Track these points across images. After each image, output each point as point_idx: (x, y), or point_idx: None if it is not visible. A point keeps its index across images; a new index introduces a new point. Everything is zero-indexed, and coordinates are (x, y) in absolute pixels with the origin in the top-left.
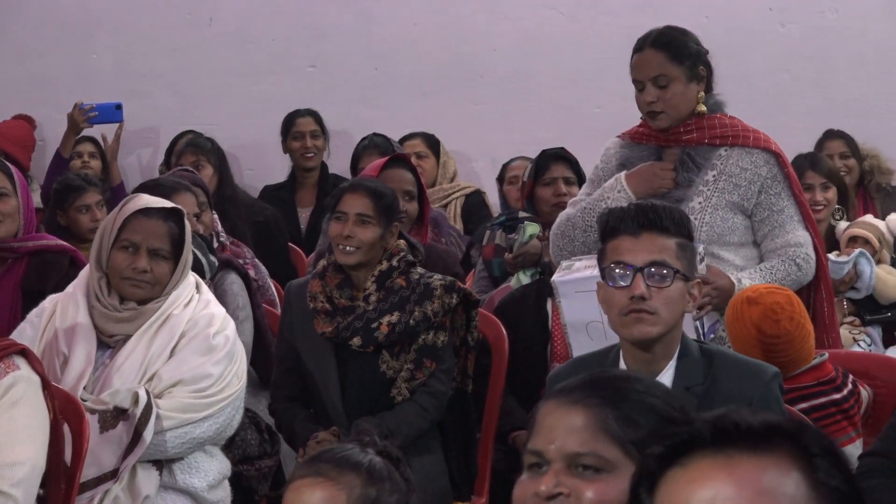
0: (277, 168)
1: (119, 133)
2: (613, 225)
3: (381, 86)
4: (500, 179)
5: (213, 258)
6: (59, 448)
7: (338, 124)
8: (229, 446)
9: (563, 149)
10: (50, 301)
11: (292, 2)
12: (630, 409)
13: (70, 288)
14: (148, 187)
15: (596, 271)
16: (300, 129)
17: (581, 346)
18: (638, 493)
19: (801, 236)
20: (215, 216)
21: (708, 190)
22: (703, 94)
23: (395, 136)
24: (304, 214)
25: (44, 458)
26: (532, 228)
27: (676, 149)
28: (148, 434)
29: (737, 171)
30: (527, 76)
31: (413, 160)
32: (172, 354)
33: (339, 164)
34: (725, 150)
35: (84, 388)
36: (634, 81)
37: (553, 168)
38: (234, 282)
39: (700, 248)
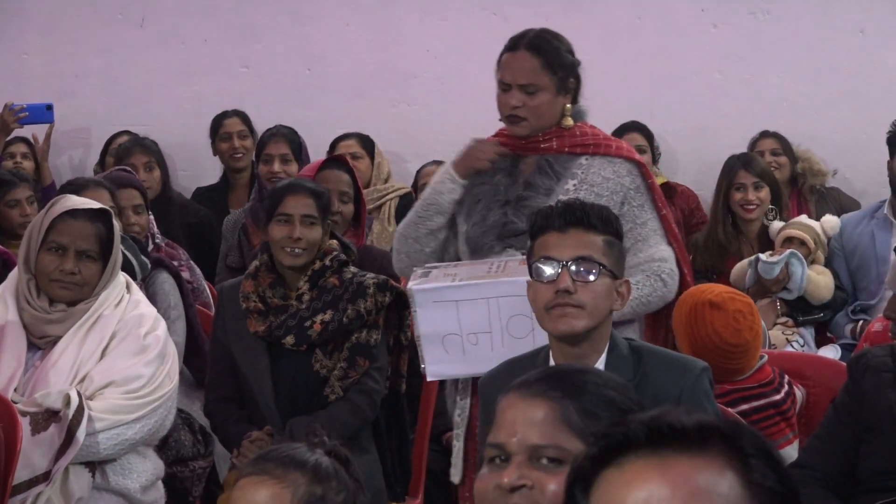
0: (209, 169)
1: (49, 133)
2: (541, 223)
3: (314, 86)
4: (415, 187)
5: (144, 259)
6: None
7: (272, 125)
8: (163, 447)
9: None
10: None
11: (225, 2)
12: (590, 401)
13: None
14: (64, 187)
15: (456, 281)
16: (228, 130)
17: (436, 359)
18: (573, 494)
19: (665, 251)
20: (151, 218)
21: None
22: (569, 106)
23: (330, 137)
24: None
25: None
26: None
27: (534, 157)
28: (80, 435)
29: (598, 181)
30: (459, 76)
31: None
32: (104, 355)
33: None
34: (586, 159)
35: (15, 390)
36: (500, 81)
37: None
38: (165, 281)
39: None
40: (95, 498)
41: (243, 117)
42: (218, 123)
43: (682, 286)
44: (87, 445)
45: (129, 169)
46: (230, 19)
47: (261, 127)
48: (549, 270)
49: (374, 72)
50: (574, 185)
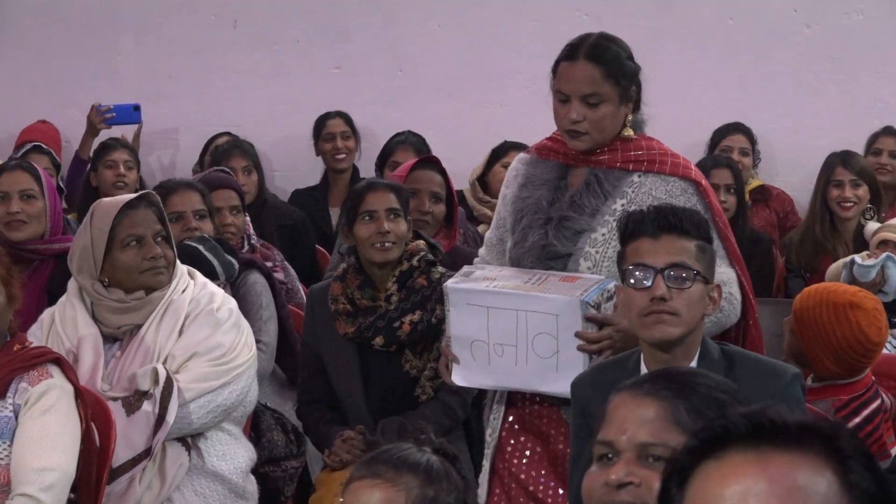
0: (301, 169)
1: (138, 134)
2: (633, 228)
3: (405, 87)
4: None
5: (230, 259)
6: (90, 456)
7: (363, 126)
8: (255, 446)
9: None
10: (47, 313)
11: (317, 3)
12: (700, 402)
13: (62, 299)
14: (156, 189)
15: (493, 285)
16: (331, 131)
17: (464, 363)
18: (668, 487)
19: (725, 273)
20: (247, 219)
21: (615, 220)
22: (631, 116)
23: None
24: (336, 216)
25: (74, 465)
26: None
27: (584, 169)
28: (172, 408)
29: (648, 201)
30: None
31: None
32: (181, 334)
33: (365, 165)
34: (639, 177)
35: (102, 380)
36: (558, 92)
37: None
38: (256, 281)
39: (611, 285)
40: (192, 480)
41: (346, 118)
42: (321, 124)
43: (746, 310)
44: (181, 417)
45: (227, 170)
46: (322, 20)
47: (357, 127)
48: (643, 277)
49: (465, 72)
50: (623, 204)
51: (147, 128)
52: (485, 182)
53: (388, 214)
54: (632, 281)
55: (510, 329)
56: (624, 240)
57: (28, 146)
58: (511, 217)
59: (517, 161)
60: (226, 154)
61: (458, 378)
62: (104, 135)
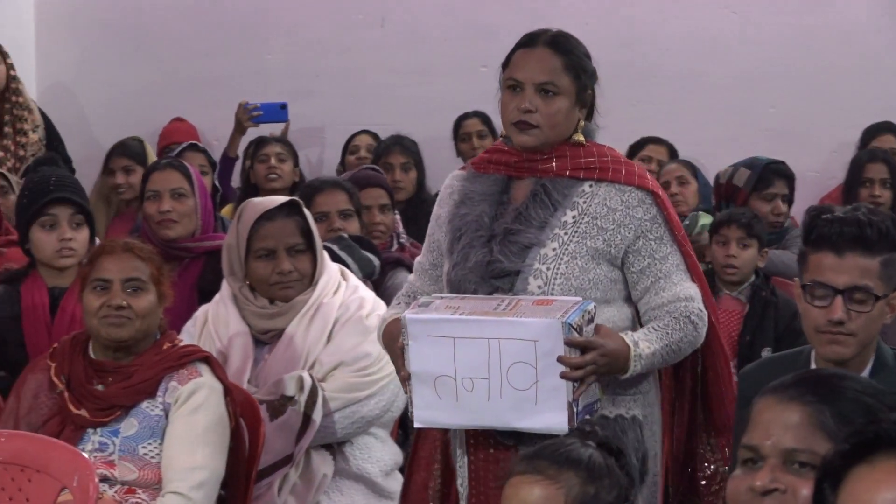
0: (447, 168)
1: (285, 132)
2: (818, 236)
3: None
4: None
5: (369, 256)
6: (239, 454)
7: None
8: (403, 446)
9: (784, 164)
10: (201, 311)
11: (464, 2)
12: (846, 407)
13: (216, 297)
14: (304, 189)
15: (458, 315)
16: (467, 131)
17: (426, 402)
18: (822, 489)
19: (691, 289)
20: (397, 217)
21: (565, 234)
22: (584, 122)
23: None
24: None
25: (223, 463)
26: (705, 219)
27: (528, 180)
28: (317, 416)
29: (603, 212)
30: (698, 75)
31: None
32: (329, 340)
33: None
34: (591, 186)
35: (249, 382)
36: (509, 79)
37: (775, 184)
38: (404, 280)
39: (591, 306)
40: (337, 482)
41: (483, 118)
42: (459, 124)
43: (710, 326)
44: (324, 426)
45: (377, 168)
46: (469, 18)
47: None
48: (823, 296)
49: (613, 70)
50: (574, 216)
51: (294, 126)
52: None
53: None
54: (811, 298)
55: (481, 360)
56: (807, 240)
57: (184, 144)
58: (448, 237)
59: (451, 178)
60: (387, 150)
61: (420, 419)
62: (252, 133)
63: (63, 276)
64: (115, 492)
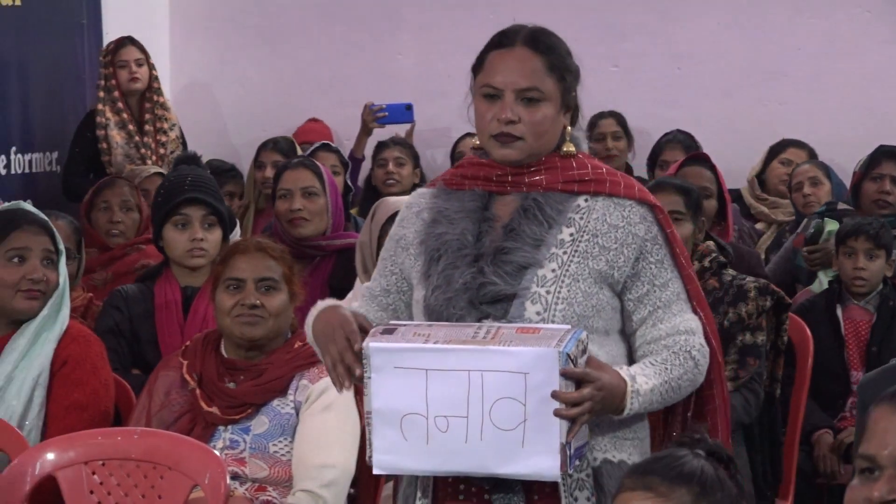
0: None
1: (410, 133)
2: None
3: (682, 85)
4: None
5: None
6: None
7: (638, 124)
8: None
9: None
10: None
11: (594, 2)
12: None
13: (349, 294)
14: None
15: (431, 343)
16: (602, 131)
17: (388, 445)
18: None
19: (692, 321)
20: None
21: (565, 253)
22: (570, 129)
23: (698, 136)
24: None
25: (353, 461)
26: (831, 226)
27: (514, 195)
28: None
29: (603, 229)
30: (831, 75)
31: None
32: None
33: (639, 164)
34: (586, 200)
35: None
36: (484, 87)
37: (883, 164)
38: None
39: (583, 335)
40: None
41: (618, 118)
42: (593, 124)
43: (712, 363)
44: None
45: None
46: (599, 19)
47: (632, 126)
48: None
49: (743, 70)
50: (572, 234)
51: (424, 126)
52: (762, 180)
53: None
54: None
55: (459, 396)
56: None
57: (316, 144)
58: (422, 259)
59: (416, 196)
60: None
61: (381, 465)
62: (379, 134)
63: (196, 274)
64: (246, 489)
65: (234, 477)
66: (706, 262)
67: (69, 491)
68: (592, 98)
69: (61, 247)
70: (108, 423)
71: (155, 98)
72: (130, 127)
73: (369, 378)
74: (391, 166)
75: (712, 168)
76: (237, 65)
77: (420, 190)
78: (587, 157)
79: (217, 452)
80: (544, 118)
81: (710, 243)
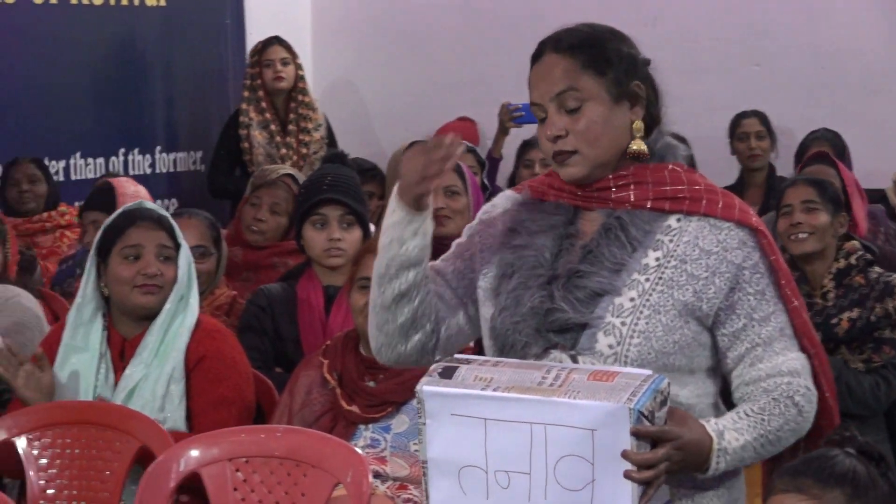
0: (722, 167)
1: None
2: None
3: (826, 84)
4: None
5: None
6: None
7: (782, 123)
8: None
9: None
10: None
11: (737, 1)
12: None
13: None
14: None
15: (489, 389)
16: (745, 130)
17: (445, 497)
18: None
19: (796, 361)
20: None
21: (647, 280)
22: (640, 123)
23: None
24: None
25: None
26: None
27: (600, 211)
28: None
29: (694, 255)
30: None
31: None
32: None
33: (782, 163)
34: (678, 220)
35: None
36: (533, 106)
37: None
38: None
39: (664, 384)
40: None
41: (762, 118)
42: (736, 123)
43: (822, 410)
44: None
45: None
46: (741, 17)
47: (775, 125)
48: None
49: (888, 68)
50: (658, 258)
51: None
52: None
53: (803, 207)
54: None
55: (521, 450)
56: None
57: None
58: (492, 271)
59: (501, 197)
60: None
61: None
62: (522, 134)
63: (337, 274)
64: (388, 488)
65: (376, 476)
66: (853, 260)
67: (213, 488)
68: (735, 97)
69: (181, 242)
70: (252, 416)
71: (300, 98)
72: (273, 127)
73: (424, 424)
74: (537, 168)
75: (835, 165)
76: (378, 65)
77: (507, 192)
78: (685, 170)
79: (359, 451)
80: (591, 122)
81: (856, 242)
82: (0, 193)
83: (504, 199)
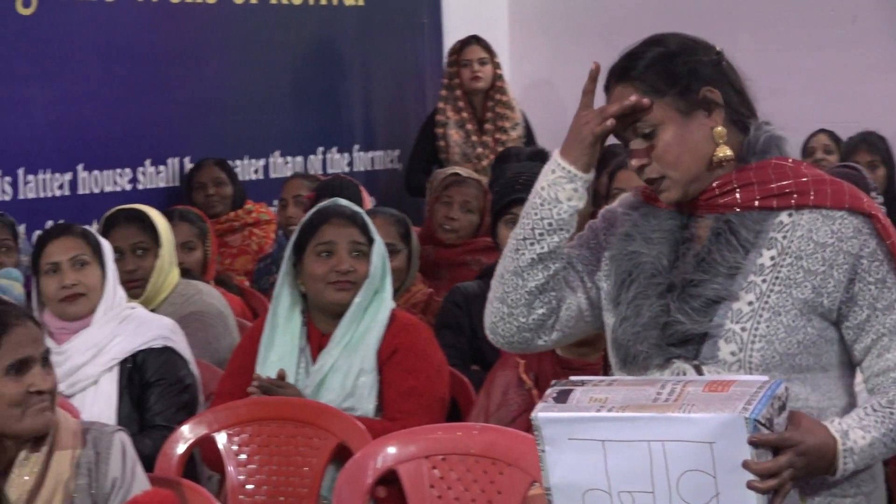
0: None
1: None
2: None
3: None
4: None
5: None
6: None
7: None
8: None
9: None
10: None
11: None
12: None
13: None
14: None
15: (604, 411)
16: None
17: None
18: None
19: None
20: None
21: (764, 281)
22: (721, 128)
23: None
24: None
25: None
26: None
27: (710, 217)
28: None
29: (809, 249)
30: None
31: None
32: None
33: None
34: (790, 216)
35: None
36: (618, 138)
37: None
38: None
39: (781, 389)
40: None
41: None
42: None
43: None
44: None
45: (855, 165)
46: None
47: None
48: None
49: None
50: (773, 257)
51: None
52: None
53: None
54: None
55: (642, 469)
56: None
57: None
58: (612, 280)
59: (618, 201)
60: (854, 147)
61: None
62: None
63: None
64: None
65: None
66: None
67: (410, 484)
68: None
69: (375, 237)
70: (445, 409)
71: (498, 97)
72: (469, 126)
73: (543, 452)
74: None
75: None
76: (577, 62)
77: (624, 196)
78: (790, 163)
79: None
80: (667, 145)
81: None
82: (187, 195)
83: (622, 202)
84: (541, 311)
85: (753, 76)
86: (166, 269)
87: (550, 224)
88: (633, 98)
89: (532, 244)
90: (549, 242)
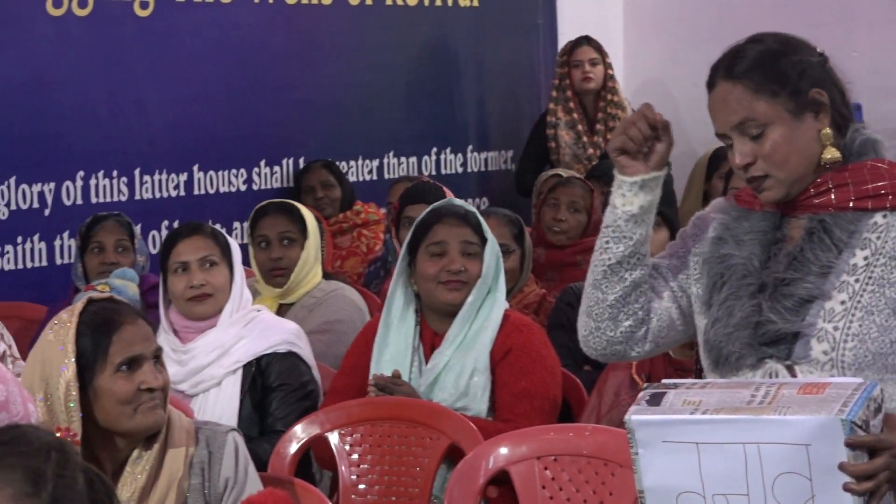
0: None
1: None
2: None
3: None
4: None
5: None
6: None
7: None
8: None
9: None
10: None
11: None
12: None
13: None
14: None
15: (699, 413)
16: None
17: None
18: None
19: None
20: None
21: (856, 281)
22: (828, 130)
23: None
24: None
25: None
26: None
27: (804, 217)
28: None
29: None
30: None
31: None
32: None
33: None
34: (884, 216)
35: None
36: (718, 135)
37: None
38: None
39: (877, 391)
40: None
41: None
42: None
43: None
44: None
45: None
46: None
47: None
48: None
49: None
50: (866, 257)
51: (876, 125)
52: None
53: None
54: None
55: (736, 472)
56: None
57: None
58: (704, 282)
59: (710, 206)
60: None
61: None
62: None
63: None
64: None
65: None
66: None
67: (521, 485)
68: None
69: (488, 236)
70: (557, 410)
71: (609, 97)
72: (580, 127)
73: (637, 454)
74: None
75: None
76: (690, 63)
77: (716, 200)
78: (886, 165)
79: None
80: (776, 144)
81: None
82: (297, 198)
83: (714, 207)
84: (627, 322)
85: (871, 77)
86: (311, 262)
87: (613, 232)
88: (648, 114)
89: (601, 254)
90: (615, 252)
